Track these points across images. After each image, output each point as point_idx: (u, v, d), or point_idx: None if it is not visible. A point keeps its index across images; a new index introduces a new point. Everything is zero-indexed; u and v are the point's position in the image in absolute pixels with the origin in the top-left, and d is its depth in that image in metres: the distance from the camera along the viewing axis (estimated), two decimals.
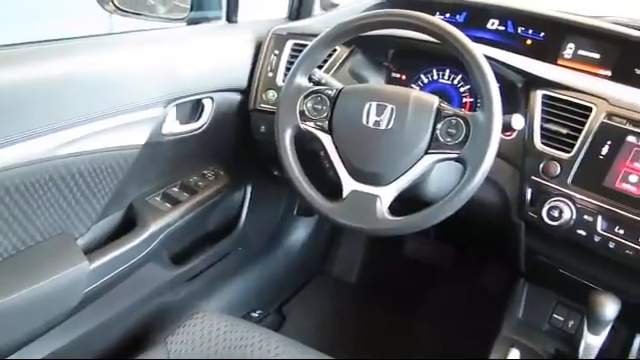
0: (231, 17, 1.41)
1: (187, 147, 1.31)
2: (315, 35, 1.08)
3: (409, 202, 1.03)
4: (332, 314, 1.81)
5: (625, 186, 1.00)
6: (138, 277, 1.30)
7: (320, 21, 1.47)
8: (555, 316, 1.28)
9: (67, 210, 1.06)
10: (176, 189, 1.35)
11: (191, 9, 1.34)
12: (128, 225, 1.22)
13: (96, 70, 1.03)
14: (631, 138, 1.01)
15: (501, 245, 1.24)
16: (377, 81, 1.34)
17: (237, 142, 1.45)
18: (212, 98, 1.31)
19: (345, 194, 1.02)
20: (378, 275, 1.97)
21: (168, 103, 1.18)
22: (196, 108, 1.31)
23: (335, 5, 1.57)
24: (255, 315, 1.71)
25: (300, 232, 1.93)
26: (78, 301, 1.09)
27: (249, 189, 1.65)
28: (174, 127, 1.25)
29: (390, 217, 0.99)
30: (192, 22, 1.37)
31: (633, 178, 1.00)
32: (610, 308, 1.00)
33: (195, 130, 1.30)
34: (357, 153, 1.03)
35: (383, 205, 0.99)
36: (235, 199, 1.63)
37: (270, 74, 1.35)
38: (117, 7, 1.21)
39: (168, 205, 1.29)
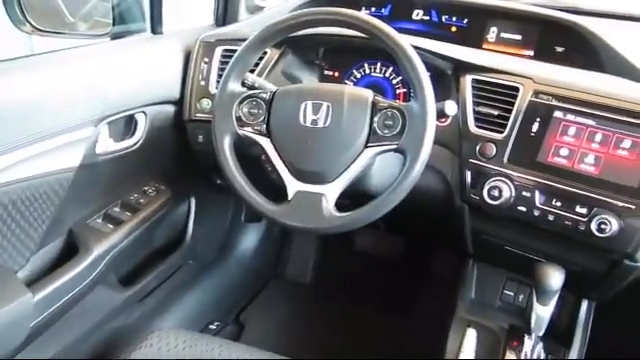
0: (156, 28, 1.38)
1: (124, 165, 1.27)
2: (244, 39, 1.08)
3: (355, 197, 1.03)
4: (290, 317, 1.81)
5: (557, 160, 1.04)
6: (87, 304, 1.26)
7: (248, 25, 1.46)
8: (506, 292, 1.31)
9: (2, 243, 1.01)
10: (117, 209, 1.31)
11: (113, 23, 1.31)
12: (70, 251, 1.18)
13: (19, 94, 0.99)
14: (558, 113, 1.05)
15: (448, 229, 1.27)
16: (310, 80, 1.35)
17: (176, 155, 1.43)
18: (145, 112, 1.28)
19: (290, 196, 1.02)
20: (332, 273, 1.98)
21: (99, 122, 1.15)
22: (129, 124, 1.28)
23: (261, 8, 1.56)
24: (213, 327, 1.68)
25: (250, 238, 1.91)
26: (25, 335, 1.05)
27: (193, 201, 1.62)
28: (108, 146, 1.21)
29: (337, 214, 0.99)
30: (116, 37, 1.34)
31: (564, 151, 1.04)
32: (555, 278, 1.04)
33: (130, 147, 1.27)
34: (298, 154, 1.03)
35: (329, 203, 1.00)
36: (180, 212, 1.60)
37: (202, 83, 1.33)
38: (35, 27, 1.15)
39: (110, 226, 1.26)
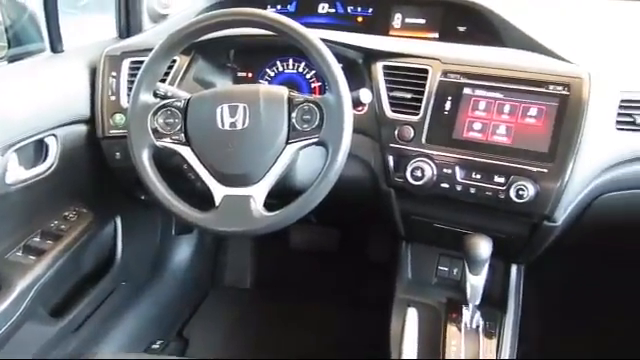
0: (56, 47, 1.32)
1: (39, 192, 1.22)
2: (150, 49, 1.05)
3: (283, 195, 1.03)
4: (234, 324, 1.79)
5: (472, 134, 1.08)
6: (16, 341, 1.19)
7: (153, 34, 1.42)
8: (440, 268, 1.35)
9: None
10: (37, 239, 1.25)
11: (9, 46, 1.24)
12: None
13: None
14: (467, 90, 1.10)
15: (378, 215, 1.29)
16: (224, 84, 1.34)
17: (94, 175, 1.37)
18: (55, 135, 1.22)
19: (217, 201, 1.01)
20: (271, 273, 1.97)
21: (5, 150, 1.09)
22: (40, 149, 1.22)
23: (165, 16, 1.53)
24: (156, 346, 1.64)
25: (183, 251, 1.88)
26: None
27: (119, 220, 1.57)
28: (19, 174, 1.15)
29: (267, 214, 0.99)
30: (14, 59, 1.27)
31: (477, 126, 1.08)
32: (483, 248, 1.08)
33: (44, 172, 1.22)
34: (220, 158, 1.01)
35: (257, 204, 0.99)
36: (106, 234, 1.54)
37: (113, 98, 1.29)
38: None
39: (32, 258, 1.20)
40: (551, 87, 1.05)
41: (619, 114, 1.07)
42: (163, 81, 1.21)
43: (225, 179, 1.01)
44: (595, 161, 1.06)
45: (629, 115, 1.08)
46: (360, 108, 1.15)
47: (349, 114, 0.97)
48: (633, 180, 1.11)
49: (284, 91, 1.02)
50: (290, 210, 0.98)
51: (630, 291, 1.70)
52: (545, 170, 1.03)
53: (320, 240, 1.96)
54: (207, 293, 1.92)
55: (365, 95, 1.03)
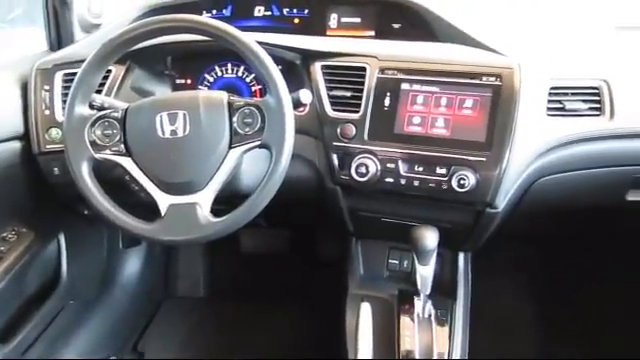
0: None
1: None
2: (83, 60, 1.03)
3: (230, 200, 1.03)
4: (189, 333, 1.77)
5: (412, 128, 1.11)
6: None
7: (85, 45, 1.39)
8: (391, 261, 1.37)
9: None
10: None
11: None
12: None
13: None
14: (405, 85, 1.12)
15: (326, 213, 1.30)
16: (163, 92, 1.32)
17: (33, 193, 1.33)
18: None
19: (163, 211, 0.99)
20: (224, 280, 1.96)
21: None
22: None
23: (97, 25, 1.49)
24: None
25: (132, 264, 1.84)
26: None
27: (62, 237, 1.52)
28: None
29: (214, 220, 0.99)
30: None
31: (416, 120, 1.11)
32: (430, 238, 1.11)
33: None
34: (163, 167, 1.00)
35: (204, 210, 0.99)
36: (50, 252, 1.49)
37: (47, 112, 1.25)
38: None
39: None
40: (484, 78, 1.08)
41: (549, 101, 1.12)
42: (99, 92, 1.18)
43: (169, 188, 1.00)
44: (530, 147, 1.10)
45: (558, 101, 1.13)
46: (301, 109, 1.16)
47: (290, 115, 0.97)
48: (565, 163, 1.16)
49: (224, 96, 1.02)
50: (237, 215, 0.98)
51: (573, 272, 1.78)
52: (483, 159, 1.07)
53: (271, 243, 1.96)
54: (160, 305, 1.89)
55: (305, 96, 1.03)
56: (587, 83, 1.14)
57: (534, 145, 1.11)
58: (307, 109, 1.18)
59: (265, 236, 1.96)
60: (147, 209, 1.02)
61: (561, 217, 1.43)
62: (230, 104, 1.00)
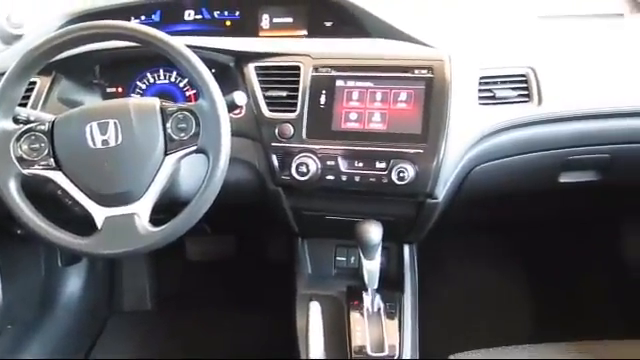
0: None
1: None
2: (3, 73, 0.98)
3: (170, 207, 1.01)
4: (138, 348, 1.72)
5: (349, 125, 1.12)
6: None
7: (6, 57, 1.32)
8: (338, 258, 1.38)
9: None
10: None
11: None
12: None
13: None
14: (339, 82, 1.13)
15: (270, 215, 1.29)
16: (94, 102, 1.27)
17: None
18: None
19: (99, 224, 0.96)
20: (172, 291, 1.92)
21: None
22: None
23: (18, 36, 1.43)
24: None
25: (74, 282, 1.77)
26: None
27: None
28: None
29: (154, 229, 0.96)
30: None
31: (353, 116, 1.12)
32: (374, 232, 1.11)
33: None
34: (96, 179, 0.97)
35: (143, 220, 0.96)
36: None
37: None
38: None
39: None
40: (416, 71, 1.10)
41: (480, 90, 1.15)
42: (24, 105, 1.13)
43: (105, 200, 0.97)
44: (464, 136, 1.12)
45: (489, 90, 1.16)
46: (237, 111, 1.14)
47: (225, 118, 0.96)
48: (500, 150, 1.20)
49: (156, 102, 1.00)
50: (177, 223, 0.96)
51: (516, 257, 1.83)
52: (421, 151, 1.08)
53: (217, 249, 1.93)
54: (106, 322, 1.83)
55: (240, 97, 1.02)
56: (515, 71, 1.18)
57: (468, 134, 1.13)
58: (243, 111, 1.17)
59: (211, 242, 1.93)
60: (83, 223, 0.99)
61: (500, 202, 1.47)
62: (163, 110, 0.98)
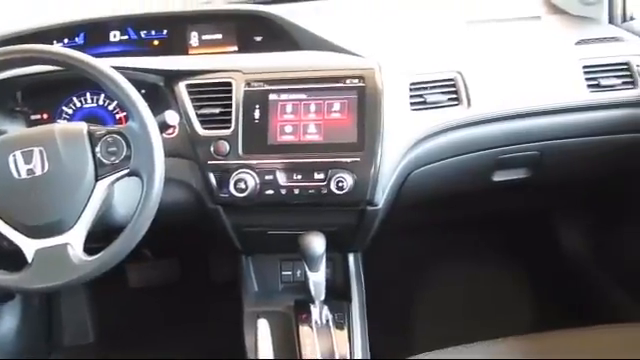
0: None
1: None
2: None
3: (108, 234, 0.97)
4: None
5: (285, 138, 1.12)
6: None
7: None
8: (284, 273, 1.36)
9: None
10: None
11: None
12: None
13: None
14: (272, 96, 1.13)
15: (212, 234, 1.27)
16: (17, 130, 1.22)
17: None
18: None
19: (30, 257, 0.92)
20: (114, 321, 1.85)
21: None
22: None
23: None
24: None
25: (8, 320, 1.67)
26: None
27: None
28: None
29: (89, 258, 0.93)
30: None
31: (288, 129, 1.12)
32: (317, 244, 1.11)
33: None
34: (23, 210, 0.93)
35: (77, 250, 0.93)
36: None
37: None
38: None
39: None
40: (348, 81, 1.11)
41: (411, 96, 1.17)
42: None
43: (34, 232, 0.92)
44: (399, 142, 1.14)
45: (420, 96, 1.18)
46: (170, 131, 1.12)
47: (157, 139, 0.94)
48: (434, 154, 1.22)
49: (83, 126, 0.97)
50: (113, 250, 0.93)
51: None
52: (358, 159, 1.09)
53: (160, 274, 1.88)
54: (46, 359, 1.75)
55: (171, 117, 1.00)
56: (443, 76, 1.21)
57: (403, 140, 1.15)
58: (176, 131, 1.14)
59: (153, 267, 1.87)
60: (14, 258, 0.94)
61: (439, 205, 1.50)
62: (91, 134, 0.95)
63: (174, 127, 1.11)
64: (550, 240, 1.92)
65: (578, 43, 1.34)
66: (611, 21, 1.49)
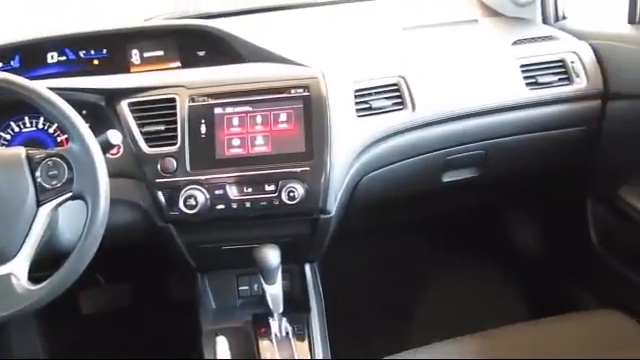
0: None
1: None
2: None
3: (54, 260, 0.94)
4: None
5: (233, 151, 1.11)
6: None
7: None
8: (241, 288, 1.35)
9: None
10: None
11: None
12: None
13: None
14: (218, 110, 1.11)
15: (165, 253, 1.24)
16: None
17: None
18: None
19: None
20: (67, 351, 1.78)
21: None
22: None
23: None
24: None
25: None
26: None
27: None
28: None
29: (35, 287, 0.89)
30: None
31: (236, 142, 1.11)
32: (272, 256, 1.10)
33: None
34: None
35: (21, 279, 0.89)
36: None
37: None
38: None
39: None
40: (293, 91, 1.11)
41: (357, 103, 1.18)
42: None
43: None
44: (348, 149, 1.15)
45: (365, 102, 1.20)
46: (114, 151, 1.09)
47: (100, 160, 0.91)
48: (383, 158, 1.24)
49: (21, 151, 0.93)
50: (60, 277, 0.89)
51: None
52: (308, 168, 1.09)
53: (114, 298, 1.82)
54: None
55: (114, 136, 0.97)
56: (386, 81, 1.23)
57: (351, 146, 1.16)
58: (121, 150, 1.12)
59: (107, 291, 1.81)
60: None
61: (393, 208, 1.51)
62: (30, 158, 0.92)
63: (118, 146, 1.09)
64: (503, 236, 1.96)
65: (515, 43, 1.39)
66: (545, 21, 1.55)
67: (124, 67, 1.35)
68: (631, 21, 1.35)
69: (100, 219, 0.90)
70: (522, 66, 1.32)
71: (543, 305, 1.73)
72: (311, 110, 1.10)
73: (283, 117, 1.11)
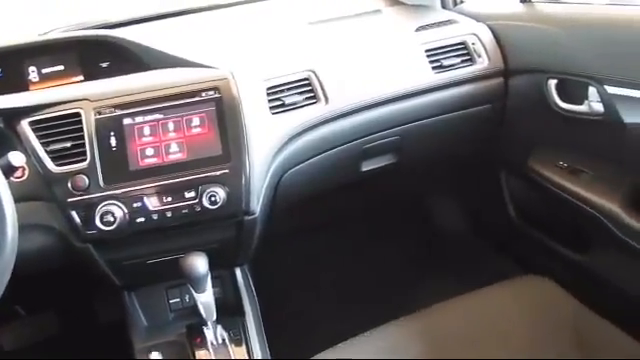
0: None
1: None
2: None
3: None
4: None
5: (148, 161, 1.07)
6: None
7: None
8: (172, 301, 1.31)
9: None
10: None
11: None
12: None
13: None
14: (127, 120, 1.08)
15: (88, 275, 1.19)
16: None
17: None
18: None
19: None
20: None
21: None
22: None
23: None
24: None
25: None
26: None
27: None
28: None
29: None
30: None
31: (150, 151, 1.07)
32: (199, 264, 1.07)
33: None
34: None
35: None
36: None
37: None
38: None
39: None
40: (203, 94, 1.09)
41: (269, 100, 1.18)
42: None
43: None
44: (265, 148, 1.14)
45: (278, 99, 1.20)
46: (18, 174, 1.03)
47: (3, 184, 0.86)
48: (302, 154, 1.24)
49: None
50: None
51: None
52: (227, 170, 1.07)
53: (38, 329, 1.72)
54: None
55: (16, 158, 0.92)
56: (297, 77, 1.23)
57: (269, 144, 1.15)
58: (26, 172, 1.05)
59: (29, 323, 1.71)
60: None
61: (315, 204, 1.52)
62: None
63: (22, 168, 1.03)
64: (427, 221, 2.02)
65: (418, 30, 1.43)
66: (444, 6, 1.61)
67: (22, 86, 1.27)
68: (523, 0, 1.42)
69: (8, 248, 0.84)
70: (427, 51, 1.36)
71: (471, 279, 1.79)
72: (224, 112, 1.08)
73: (196, 121, 1.08)
